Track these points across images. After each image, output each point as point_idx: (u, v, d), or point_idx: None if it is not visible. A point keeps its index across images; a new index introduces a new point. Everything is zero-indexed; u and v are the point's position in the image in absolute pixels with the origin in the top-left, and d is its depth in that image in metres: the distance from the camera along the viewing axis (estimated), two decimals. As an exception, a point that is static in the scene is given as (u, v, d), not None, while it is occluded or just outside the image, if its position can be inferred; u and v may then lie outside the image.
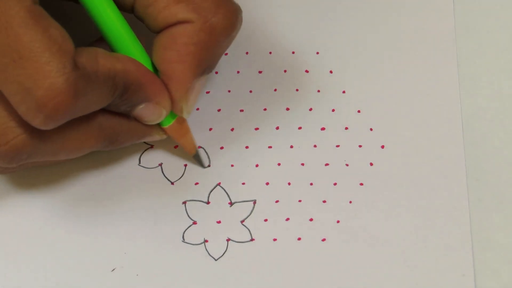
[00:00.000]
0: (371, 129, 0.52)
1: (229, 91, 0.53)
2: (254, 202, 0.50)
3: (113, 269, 0.49)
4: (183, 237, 0.50)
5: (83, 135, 0.46)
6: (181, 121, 0.49)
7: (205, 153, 0.52)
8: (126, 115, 0.47)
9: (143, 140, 0.49)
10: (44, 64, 0.41)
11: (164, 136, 0.49)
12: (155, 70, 0.46)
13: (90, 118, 0.46)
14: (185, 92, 0.46)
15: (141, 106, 0.46)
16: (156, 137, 0.49)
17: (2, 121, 0.43)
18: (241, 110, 0.52)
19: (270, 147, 0.51)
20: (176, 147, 0.51)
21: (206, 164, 0.51)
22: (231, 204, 0.50)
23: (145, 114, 0.47)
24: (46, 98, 0.41)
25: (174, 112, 0.47)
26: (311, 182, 0.51)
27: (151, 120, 0.47)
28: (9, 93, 0.42)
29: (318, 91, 0.53)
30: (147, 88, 0.45)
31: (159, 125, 0.48)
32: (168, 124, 0.48)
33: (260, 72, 0.54)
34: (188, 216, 0.50)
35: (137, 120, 0.47)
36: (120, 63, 0.44)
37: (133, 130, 0.48)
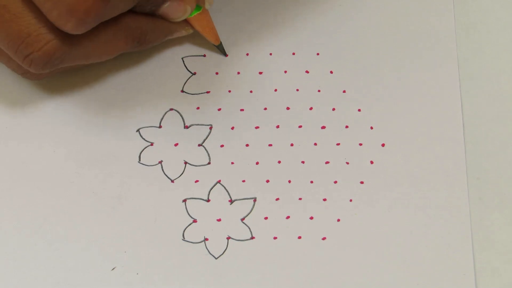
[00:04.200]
0: (371, 128, 0.52)
1: (229, 91, 0.53)
2: (255, 199, 0.50)
3: (113, 268, 0.49)
4: (183, 235, 0.49)
5: (112, 37, 0.48)
6: (204, 13, 0.51)
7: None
8: (152, 15, 0.50)
9: (170, 37, 0.52)
10: None
11: (191, 31, 0.52)
12: None
13: (117, 20, 0.48)
14: None
15: (166, 5, 0.49)
16: (183, 32, 0.52)
17: (34, 28, 0.46)
18: (242, 110, 0.52)
19: (270, 145, 0.51)
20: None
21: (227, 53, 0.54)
22: (231, 201, 0.50)
23: (170, 11, 0.50)
24: (77, 3, 0.44)
25: (198, 4, 0.50)
26: (311, 180, 0.51)
27: (177, 17, 0.50)
28: (40, 1, 0.44)
29: (319, 91, 0.53)
30: None
31: (184, 20, 0.51)
32: (192, 15, 0.51)
33: (260, 73, 0.54)
34: (188, 214, 0.50)
35: (163, 18, 0.50)
36: None
37: (160, 28, 0.50)
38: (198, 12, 0.51)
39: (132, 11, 0.48)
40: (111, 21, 0.47)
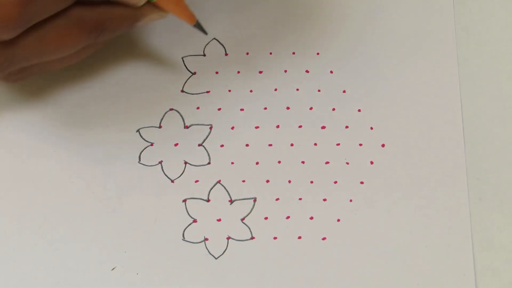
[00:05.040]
0: (371, 128, 0.52)
1: (229, 90, 0.53)
2: (255, 199, 0.50)
3: (113, 268, 0.49)
4: (183, 235, 0.49)
5: (62, 32, 0.45)
6: None
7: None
8: (108, 2, 0.46)
9: (140, 23, 0.48)
10: None
11: (164, 15, 0.48)
12: None
13: (66, 14, 0.45)
14: None
15: None
16: (154, 17, 0.48)
17: None
18: (241, 109, 0.52)
19: (270, 145, 0.51)
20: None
21: (207, 32, 0.50)
22: (231, 201, 0.50)
23: None
24: None
25: None
26: (311, 180, 0.51)
27: (135, 1, 0.46)
28: None
29: (319, 90, 0.53)
30: None
31: (149, 3, 0.47)
32: None
33: (260, 72, 0.54)
34: (188, 214, 0.50)
35: (122, 4, 0.46)
36: None
37: (121, 16, 0.47)
38: None
39: (81, 3, 0.45)
40: (59, 15, 0.44)
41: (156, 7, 0.47)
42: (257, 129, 0.52)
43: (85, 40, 0.46)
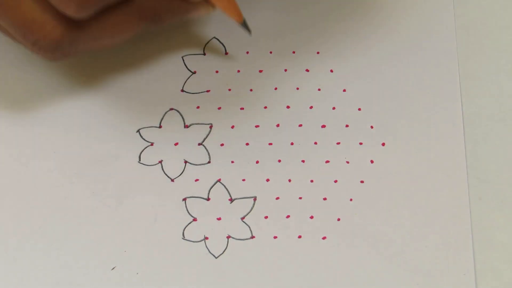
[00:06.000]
0: (371, 127, 0.52)
1: (229, 89, 0.53)
2: (255, 198, 0.50)
3: (113, 268, 0.49)
4: (183, 234, 0.49)
5: (123, 18, 0.46)
6: None
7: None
8: None
9: (189, 16, 0.49)
10: None
11: (211, 9, 0.49)
12: None
13: (129, 1, 0.46)
14: None
15: None
16: (203, 11, 0.49)
17: (38, 15, 0.45)
18: (242, 108, 0.52)
19: (270, 144, 0.51)
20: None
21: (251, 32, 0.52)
22: (231, 200, 0.50)
23: None
24: None
25: None
26: (311, 179, 0.51)
27: None
28: None
29: (319, 89, 0.53)
30: None
31: None
32: None
33: (260, 71, 0.54)
34: (188, 213, 0.50)
35: None
36: None
37: (176, 8, 0.48)
38: None
39: None
40: (123, 1, 0.46)
41: (207, 1, 0.48)
42: (257, 128, 0.52)
43: (141, 28, 0.47)
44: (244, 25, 0.50)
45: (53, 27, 0.45)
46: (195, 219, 0.50)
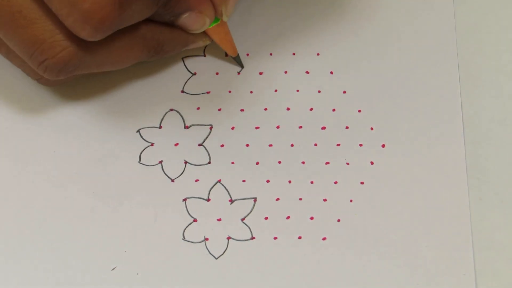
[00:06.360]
0: (371, 128, 0.52)
1: (229, 91, 0.53)
2: (255, 199, 0.50)
3: (113, 268, 0.49)
4: (183, 235, 0.49)
5: (128, 46, 0.48)
6: (222, 24, 0.51)
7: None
8: (170, 25, 0.49)
9: (187, 48, 0.51)
10: None
11: (208, 42, 0.52)
12: None
13: (134, 29, 0.48)
14: None
15: (185, 15, 0.49)
16: (200, 43, 0.51)
17: (50, 35, 0.46)
18: (242, 110, 0.52)
19: (270, 145, 0.51)
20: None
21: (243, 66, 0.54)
22: (231, 201, 0.50)
23: (189, 22, 0.49)
24: (93, 10, 0.43)
25: (216, 16, 0.50)
26: (311, 180, 0.51)
27: (195, 28, 0.50)
28: (57, 7, 0.44)
29: (319, 91, 0.53)
30: None
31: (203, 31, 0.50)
32: (211, 27, 0.50)
33: (260, 73, 0.54)
34: (189, 213, 0.50)
35: (181, 29, 0.50)
36: None
37: (177, 39, 0.50)
38: (216, 24, 0.51)
39: (150, 20, 0.48)
40: (128, 29, 0.47)
41: (206, 34, 0.51)
42: (258, 129, 0.52)
43: (143, 57, 0.49)
44: (238, 59, 0.53)
45: (63, 48, 0.46)
46: (195, 220, 0.50)
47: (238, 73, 0.54)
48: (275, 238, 0.49)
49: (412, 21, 0.55)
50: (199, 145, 0.51)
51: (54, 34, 0.46)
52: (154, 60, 0.52)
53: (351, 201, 0.50)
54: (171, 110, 0.52)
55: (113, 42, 0.47)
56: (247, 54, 0.54)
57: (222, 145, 0.51)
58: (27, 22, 0.45)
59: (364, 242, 0.49)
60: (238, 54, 0.53)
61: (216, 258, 0.49)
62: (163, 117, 0.52)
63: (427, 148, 0.51)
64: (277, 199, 0.50)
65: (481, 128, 0.52)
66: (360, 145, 0.52)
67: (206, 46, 0.54)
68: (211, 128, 0.52)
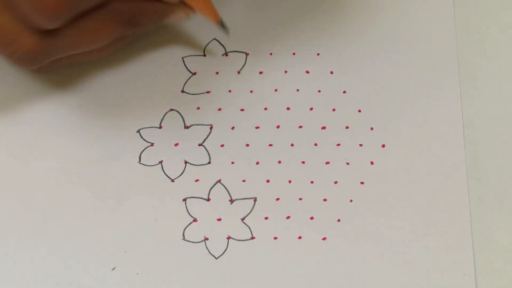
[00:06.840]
0: (371, 128, 0.52)
1: (229, 91, 0.53)
2: (255, 199, 0.50)
3: (114, 268, 0.49)
4: (183, 234, 0.49)
5: (99, 23, 0.47)
6: None
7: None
8: None
9: (168, 21, 0.49)
10: None
11: (191, 14, 0.49)
12: None
13: (104, 5, 0.46)
14: None
15: None
16: (182, 15, 0.49)
17: (11, 26, 0.45)
18: (242, 109, 0.52)
19: (270, 145, 0.52)
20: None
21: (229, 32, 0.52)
22: (231, 201, 0.50)
23: None
24: None
25: None
26: (311, 180, 0.51)
27: None
28: None
29: (319, 91, 0.53)
30: None
31: (181, 2, 0.49)
32: None
33: (261, 72, 0.54)
34: (189, 213, 0.50)
35: (155, 0, 0.48)
36: None
37: (153, 10, 0.48)
38: None
39: None
40: (97, 6, 0.46)
41: (184, 4, 0.49)
42: (257, 129, 0.52)
43: (118, 32, 0.48)
44: (221, 25, 0.51)
45: (26, 37, 0.45)
46: (195, 220, 0.50)
47: (238, 72, 0.54)
48: (275, 238, 0.50)
49: (412, 21, 0.55)
50: (199, 145, 0.52)
51: (17, 24, 0.45)
52: (137, 34, 0.51)
53: (351, 201, 0.50)
54: (171, 110, 0.52)
55: (83, 21, 0.46)
56: (247, 54, 0.54)
57: (222, 145, 0.52)
58: None
59: (364, 242, 0.49)
60: (221, 20, 0.50)
61: (216, 258, 0.49)
62: (163, 117, 0.52)
63: (427, 148, 0.51)
64: (277, 199, 0.50)
65: (481, 128, 0.52)
66: (360, 145, 0.52)
67: (206, 46, 0.54)
68: (211, 128, 0.52)
